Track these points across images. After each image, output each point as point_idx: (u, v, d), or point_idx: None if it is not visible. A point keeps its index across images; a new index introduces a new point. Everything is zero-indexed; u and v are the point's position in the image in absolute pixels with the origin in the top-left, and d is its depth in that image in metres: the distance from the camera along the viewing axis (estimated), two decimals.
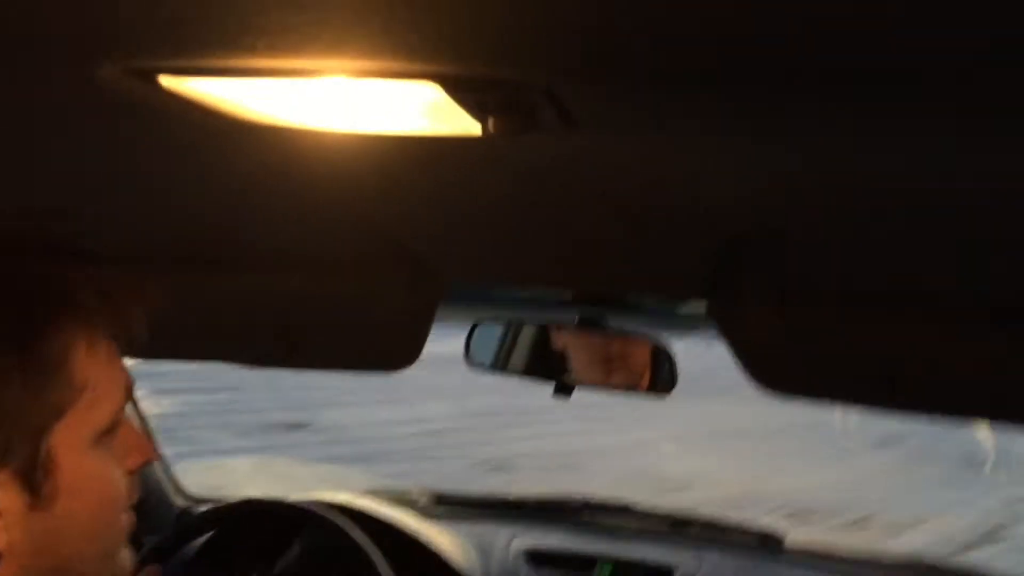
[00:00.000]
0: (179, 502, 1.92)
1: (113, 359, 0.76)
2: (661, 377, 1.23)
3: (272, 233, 1.18)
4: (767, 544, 1.81)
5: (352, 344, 1.38)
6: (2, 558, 0.68)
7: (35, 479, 0.69)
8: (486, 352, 1.35)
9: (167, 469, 1.92)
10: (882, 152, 0.65)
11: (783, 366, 1.14)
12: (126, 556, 0.78)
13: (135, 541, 0.85)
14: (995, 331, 0.98)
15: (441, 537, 1.71)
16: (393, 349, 1.35)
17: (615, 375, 1.26)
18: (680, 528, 1.85)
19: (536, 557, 1.73)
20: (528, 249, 1.16)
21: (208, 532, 1.66)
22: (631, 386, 1.25)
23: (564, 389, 1.27)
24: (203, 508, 1.71)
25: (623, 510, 1.91)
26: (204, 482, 2.08)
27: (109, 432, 0.74)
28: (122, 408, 0.75)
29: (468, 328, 1.37)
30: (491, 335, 1.35)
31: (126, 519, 0.77)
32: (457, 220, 1.05)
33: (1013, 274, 0.91)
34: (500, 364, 1.34)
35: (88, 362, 0.72)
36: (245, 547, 1.66)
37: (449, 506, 1.90)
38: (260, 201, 1.02)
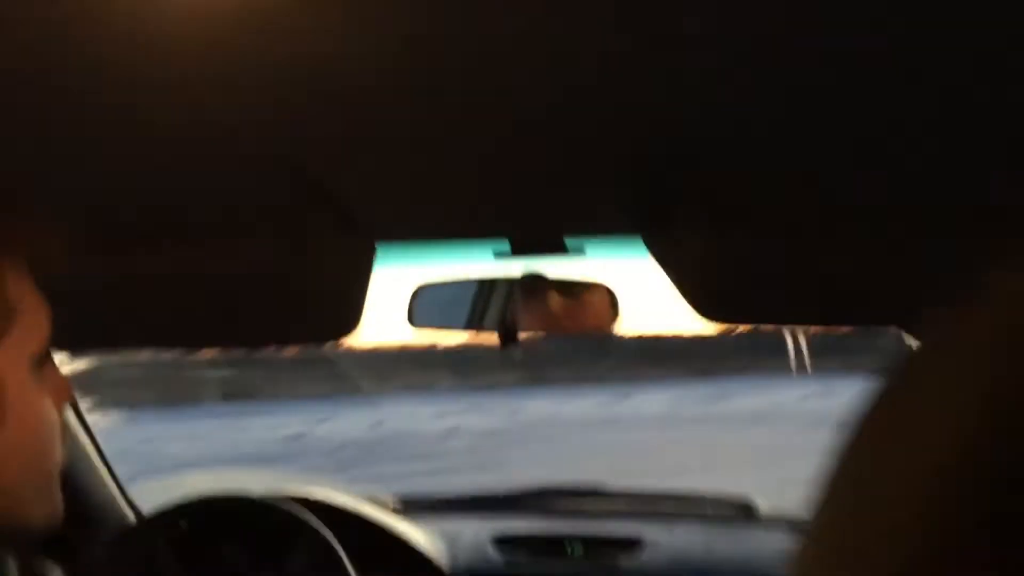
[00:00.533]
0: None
1: (36, 290, 0.77)
2: (605, 315, 1.22)
3: (197, 202, 1.15)
4: (741, 512, 1.81)
5: (292, 315, 1.34)
6: None
7: None
8: (430, 312, 1.32)
9: (120, 486, 1.87)
10: (809, 63, 0.64)
11: (720, 293, 1.13)
12: (59, 501, 0.78)
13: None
14: (924, 243, 0.98)
15: (406, 528, 1.69)
16: (334, 316, 1.32)
17: (559, 319, 1.24)
18: (650, 504, 1.85)
19: (504, 542, 1.72)
20: (457, 203, 1.13)
21: (164, 529, 1.62)
22: (576, 327, 1.24)
23: (509, 339, 1.26)
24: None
25: (591, 493, 1.90)
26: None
27: (41, 363, 0.76)
28: (48, 340, 0.77)
29: None
30: (433, 295, 1.32)
31: (59, 460, 0.78)
32: (388, 171, 1.02)
33: (944, 187, 0.91)
34: (443, 321, 1.32)
35: (19, 287, 0.75)
36: (203, 541, 1.62)
37: (417, 506, 1.87)
38: (180, 164, 0.99)
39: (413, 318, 1.32)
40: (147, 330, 1.44)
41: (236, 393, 11.69)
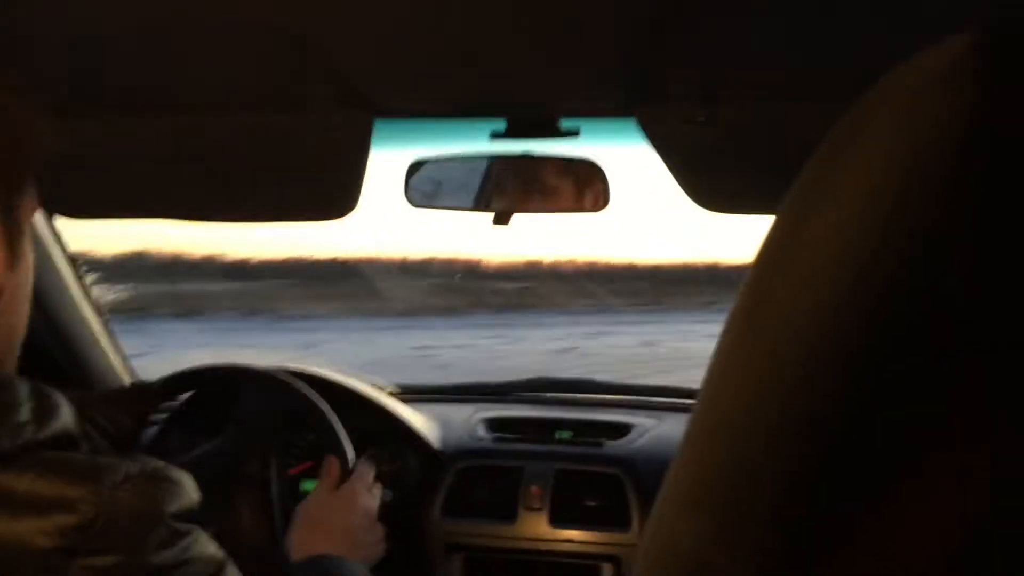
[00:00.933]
0: None
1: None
2: (596, 194, 1.22)
3: (197, 70, 1.15)
4: None
5: (291, 190, 1.35)
6: (3, 293, 0.76)
7: (13, 236, 0.76)
8: (424, 190, 1.33)
9: (126, 362, 1.90)
10: None
11: (716, 180, 1.13)
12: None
13: None
14: None
15: (402, 409, 1.73)
16: (332, 191, 1.33)
17: (551, 199, 1.25)
18: (640, 394, 1.88)
19: (496, 424, 1.76)
20: (453, 78, 1.13)
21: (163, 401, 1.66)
22: (567, 207, 1.24)
23: (502, 218, 1.27)
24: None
25: (583, 384, 1.94)
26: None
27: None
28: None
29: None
30: (428, 173, 1.33)
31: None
32: (387, 44, 1.02)
33: None
34: (437, 200, 1.33)
35: (32, 145, 0.78)
36: (202, 410, 1.66)
37: (412, 394, 1.91)
38: (181, 31, 0.99)
39: (410, 196, 1.33)
40: (146, 200, 1.46)
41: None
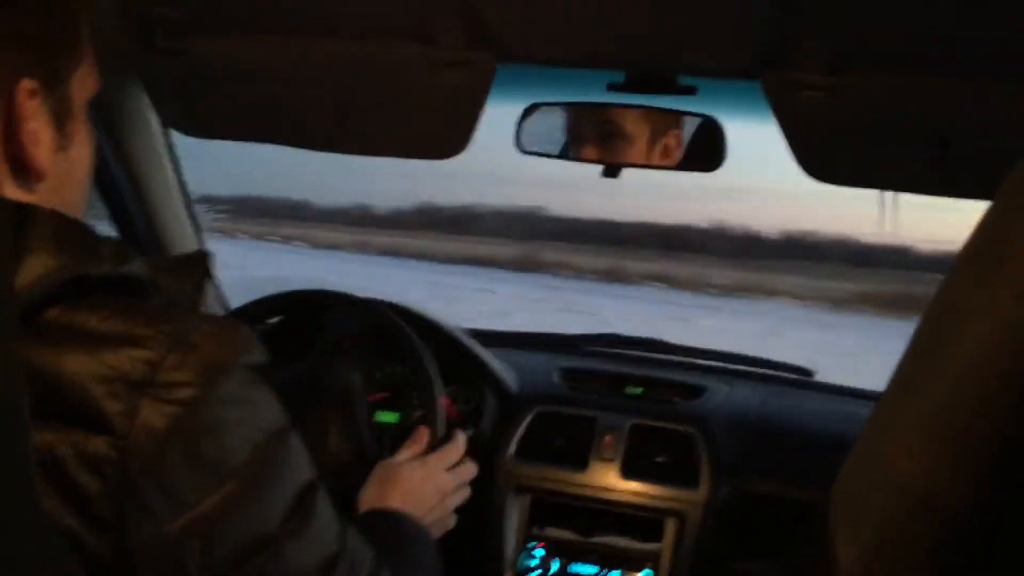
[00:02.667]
0: None
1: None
2: (710, 153, 1.22)
3: None
4: (798, 376, 1.84)
5: (404, 125, 1.38)
6: (43, 178, 0.74)
7: (62, 118, 0.75)
8: (537, 137, 1.34)
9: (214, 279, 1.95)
10: None
11: (831, 148, 1.13)
12: None
13: None
14: None
15: (483, 351, 1.75)
16: (444, 131, 1.35)
17: (664, 154, 1.25)
18: (710, 358, 1.89)
19: (570, 374, 1.78)
20: (581, 26, 1.13)
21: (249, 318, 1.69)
22: (680, 164, 1.25)
23: (612, 171, 1.27)
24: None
25: (655, 343, 1.95)
26: None
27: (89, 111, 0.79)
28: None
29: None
30: (541, 121, 1.34)
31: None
32: None
33: None
34: (550, 149, 1.34)
35: (87, 31, 0.77)
36: (291, 333, 1.69)
37: (492, 338, 1.92)
38: None
39: (521, 142, 1.34)
40: (259, 123, 1.49)
41: None
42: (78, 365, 0.66)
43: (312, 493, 0.76)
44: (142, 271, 0.75)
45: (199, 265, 0.86)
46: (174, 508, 0.66)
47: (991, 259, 0.33)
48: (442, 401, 1.48)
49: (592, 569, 1.59)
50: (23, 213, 0.68)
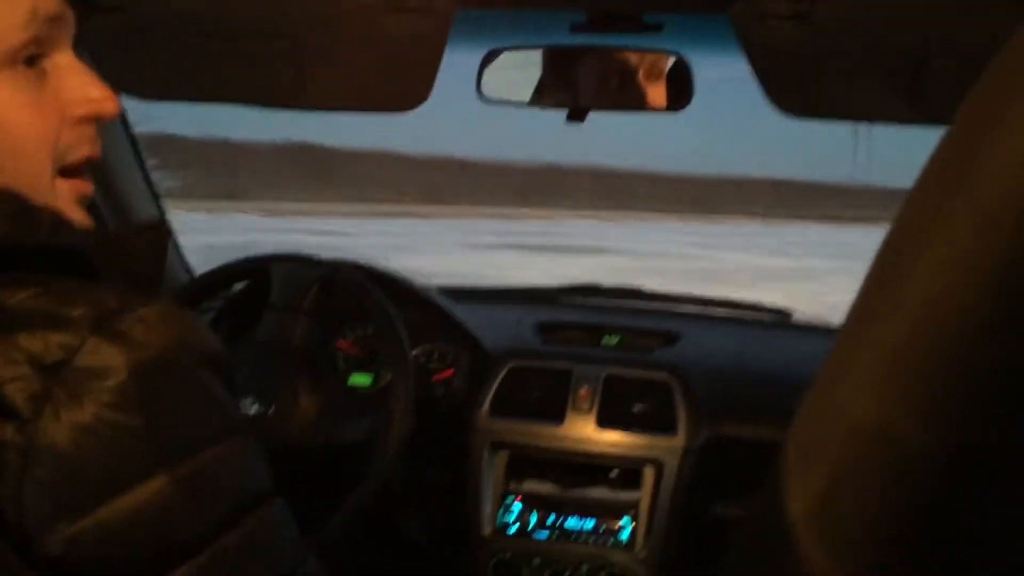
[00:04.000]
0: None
1: None
2: (678, 92, 1.18)
3: None
4: (777, 318, 1.82)
5: (363, 75, 1.32)
6: None
7: None
8: (498, 84, 1.29)
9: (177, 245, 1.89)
10: None
11: (800, 79, 1.09)
12: (76, 221, 0.72)
13: None
14: None
15: (454, 308, 1.71)
16: (406, 81, 1.30)
17: (630, 94, 1.21)
18: (688, 304, 1.86)
19: (545, 327, 1.75)
20: None
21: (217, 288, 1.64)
22: (646, 105, 1.21)
23: (577, 114, 1.23)
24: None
25: (633, 292, 1.92)
26: None
27: (26, 63, 0.68)
28: (40, 38, 0.68)
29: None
30: (503, 66, 1.29)
31: (64, 181, 0.72)
32: None
33: None
34: (512, 94, 1.29)
35: None
36: (258, 301, 1.64)
37: (460, 295, 1.87)
38: None
39: (482, 90, 1.30)
40: (213, 81, 1.43)
41: None
42: None
43: (263, 505, 0.68)
44: (84, 242, 0.68)
45: (158, 234, 0.79)
46: (87, 502, 0.58)
47: (950, 185, 0.31)
48: (412, 360, 1.44)
49: (572, 521, 1.57)
50: None
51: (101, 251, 0.70)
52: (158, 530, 0.61)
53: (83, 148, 0.72)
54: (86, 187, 0.74)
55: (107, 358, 0.60)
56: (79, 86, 0.71)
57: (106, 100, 0.72)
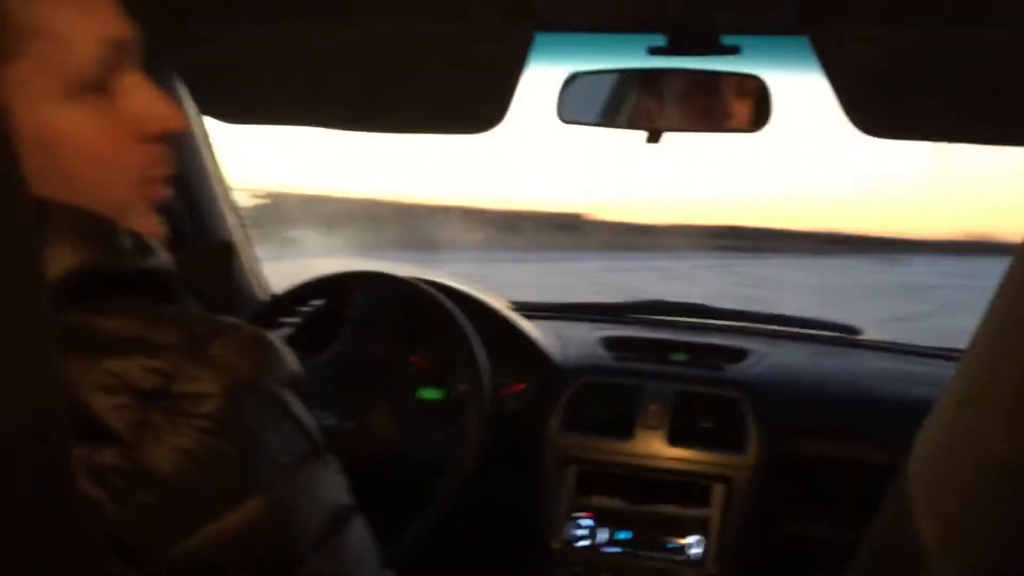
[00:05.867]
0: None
1: (88, 6, 0.68)
2: (754, 113, 1.18)
3: None
4: (846, 334, 1.80)
5: (440, 99, 1.34)
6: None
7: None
8: (578, 106, 1.30)
9: (254, 265, 1.91)
10: None
11: (883, 101, 1.08)
12: (147, 226, 0.72)
13: None
14: None
15: (524, 324, 1.72)
16: (481, 105, 1.31)
17: (708, 116, 1.21)
18: (756, 321, 1.85)
19: (614, 343, 1.74)
20: None
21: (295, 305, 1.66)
22: (723, 126, 1.20)
23: (655, 136, 1.24)
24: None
25: (698, 308, 1.91)
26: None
27: (96, 89, 0.68)
28: (109, 63, 0.68)
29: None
30: (583, 88, 1.30)
31: (142, 188, 0.72)
32: None
33: None
34: (591, 117, 1.30)
35: (34, 5, 0.65)
36: (336, 318, 1.65)
37: (533, 309, 1.88)
38: None
39: (562, 111, 1.30)
40: (295, 106, 1.46)
41: None
42: (79, 374, 0.59)
43: (346, 523, 0.69)
44: (169, 266, 0.69)
45: (222, 256, 0.79)
46: (189, 523, 0.59)
47: None
48: (487, 375, 1.45)
49: (642, 537, 1.56)
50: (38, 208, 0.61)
51: (180, 273, 0.71)
52: (252, 552, 0.61)
53: (157, 167, 0.73)
54: (162, 192, 0.75)
55: (202, 384, 0.60)
56: (147, 104, 0.71)
57: (173, 117, 0.73)
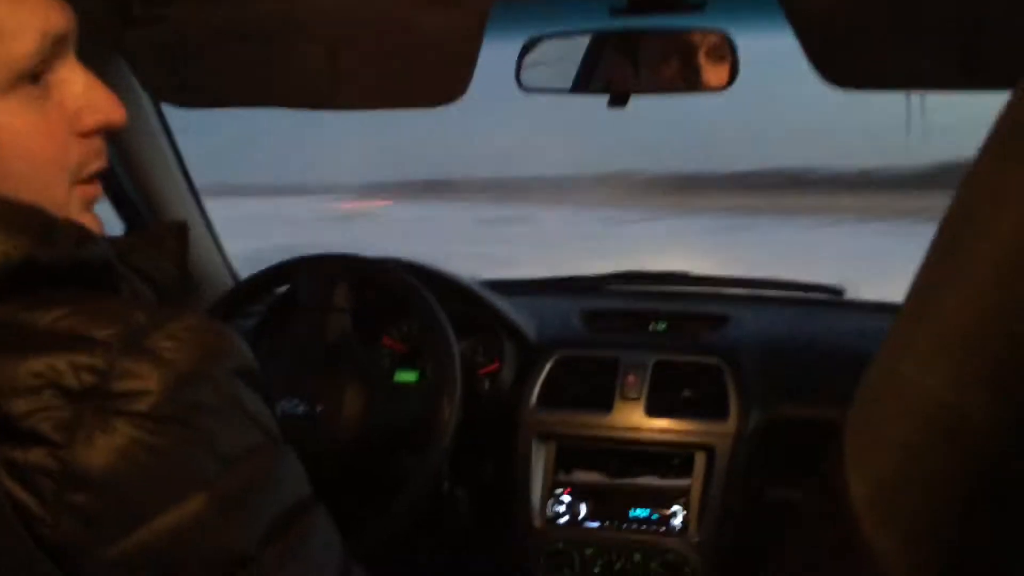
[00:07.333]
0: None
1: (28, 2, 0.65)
2: (721, 71, 1.13)
3: None
4: (830, 296, 1.76)
5: (400, 72, 1.29)
6: None
7: None
8: (538, 72, 1.25)
9: (219, 245, 1.86)
10: None
11: (850, 50, 1.04)
12: (85, 221, 0.69)
13: None
14: None
15: (499, 301, 1.67)
16: (443, 76, 1.26)
17: (673, 76, 1.17)
18: (736, 286, 1.80)
19: (592, 316, 1.70)
20: None
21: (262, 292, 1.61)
22: (689, 86, 1.16)
23: (619, 99, 1.19)
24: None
25: (679, 277, 1.86)
26: None
27: (31, 81, 0.65)
28: (45, 56, 0.65)
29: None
30: (542, 55, 1.25)
31: (78, 186, 0.69)
32: None
33: None
34: (552, 82, 1.25)
35: None
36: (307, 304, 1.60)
37: (505, 288, 1.82)
38: None
39: (521, 79, 1.26)
40: (251, 86, 1.40)
41: None
42: (2, 374, 0.56)
43: (304, 515, 0.65)
44: (106, 254, 0.66)
45: (175, 236, 0.75)
46: (127, 524, 0.56)
47: (1018, 143, 0.29)
48: (455, 353, 1.41)
49: (623, 510, 1.53)
50: None
51: (123, 260, 0.68)
52: (200, 549, 0.58)
53: (94, 162, 0.70)
54: (95, 191, 0.72)
55: (138, 380, 0.58)
56: (85, 94, 0.69)
57: (113, 109, 0.70)
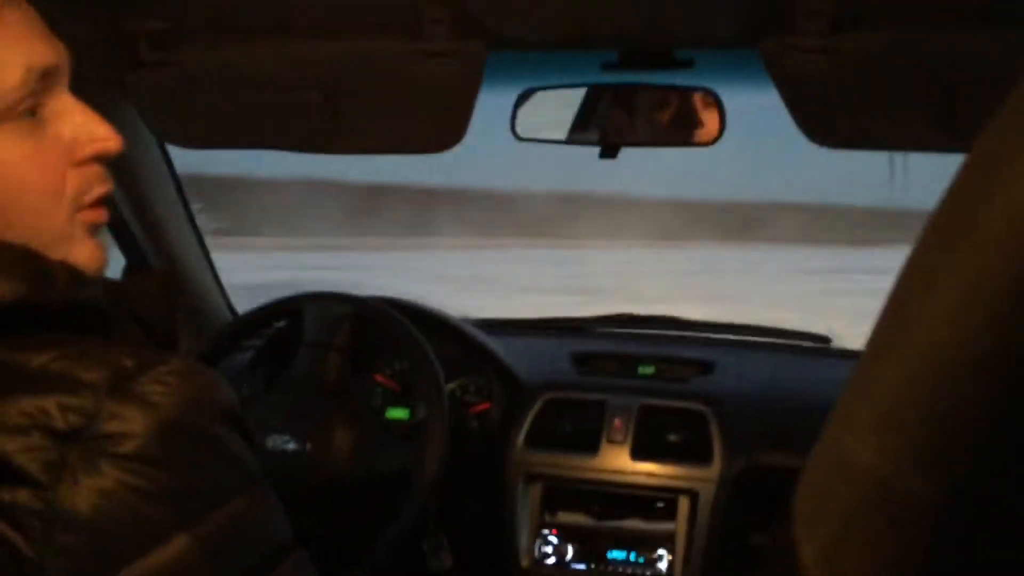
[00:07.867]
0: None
1: (12, 32, 0.65)
2: (709, 126, 1.16)
3: None
4: (814, 343, 1.78)
5: (397, 119, 1.31)
6: None
7: None
8: (533, 122, 1.28)
9: (219, 281, 1.88)
10: None
11: (834, 111, 1.07)
12: (87, 252, 0.70)
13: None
14: None
15: (489, 341, 1.68)
16: (439, 124, 1.29)
17: (662, 130, 1.19)
18: (724, 332, 1.82)
19: (581, 358, 1.71)
20: (569, 6, 1.07)
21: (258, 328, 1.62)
22: (678, 139, 1.19)
23: (610, 150, 1.21)
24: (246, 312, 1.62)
25: (668, 320, 1.88)
26: None
27: (23, 115, 0.66)
28: (34, 90, 0.66)
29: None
30: (537, 106, 1.27)
31: (80, 213, 0.69)
32: None
33: None
34: (546, 132, 1.28)
35: None
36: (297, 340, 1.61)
37: (494, 327, 1.83)
38: None
39: (516, 128, 1.28)
40: (254, 129, 1.43)
41: None
42: (6, 409, 0.57)
43: (283, 559, 0.66)
44: (97, 298, 0.66)
45: (163, 283, 0.76)
46: (110, 564, 0.57)
47: (958, 224, 0.29)
48: (444, 392, 1.42)
49: (609, 553, 1.53)
50: None
51: (113, 304, 0.68)
52: None
53: (95, 188, 0.70)
54: (100, 216, 0.71)
55: (124, 423, 0.58)
56: (80, 125, 0.69)
57: (108, 138, 0.70)
